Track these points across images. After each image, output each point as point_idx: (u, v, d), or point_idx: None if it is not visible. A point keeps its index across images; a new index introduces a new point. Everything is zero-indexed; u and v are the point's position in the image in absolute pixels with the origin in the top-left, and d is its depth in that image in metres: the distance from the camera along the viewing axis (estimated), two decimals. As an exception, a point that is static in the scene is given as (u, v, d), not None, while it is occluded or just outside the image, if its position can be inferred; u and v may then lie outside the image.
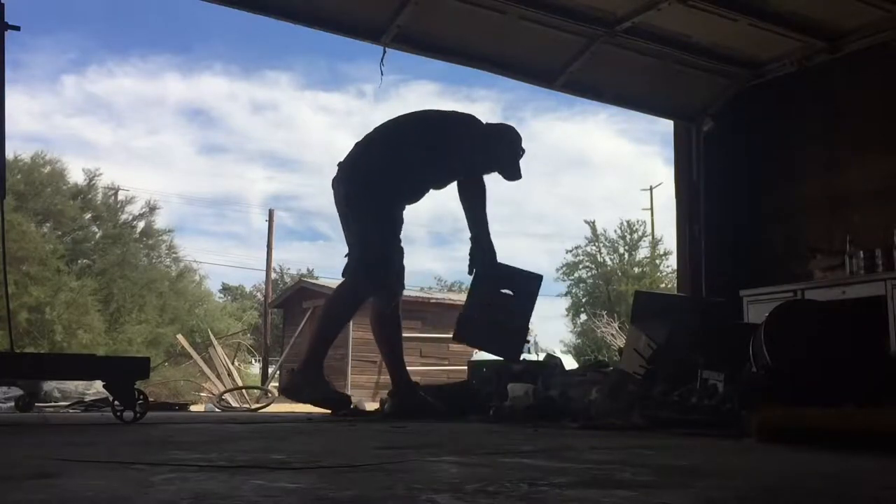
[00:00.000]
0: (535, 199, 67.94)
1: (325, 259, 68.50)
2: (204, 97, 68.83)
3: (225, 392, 12.35)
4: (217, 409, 9.95)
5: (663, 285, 30.45)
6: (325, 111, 74.02)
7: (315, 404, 4.61)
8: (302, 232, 72.34)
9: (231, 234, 71.04)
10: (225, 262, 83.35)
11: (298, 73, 76.42)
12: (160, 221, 29.33)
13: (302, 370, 4.58)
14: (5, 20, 4.21)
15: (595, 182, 69.63)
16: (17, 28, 4.29)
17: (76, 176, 27.09)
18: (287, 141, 70.66)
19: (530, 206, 68.81)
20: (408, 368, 4.71)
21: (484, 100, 68.71)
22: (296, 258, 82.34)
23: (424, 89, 72.25)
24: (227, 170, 67.02)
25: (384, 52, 6.12)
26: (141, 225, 28.39)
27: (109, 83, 62.63)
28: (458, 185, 4.65)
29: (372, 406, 5.92)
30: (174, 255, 30.04)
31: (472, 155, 4.55)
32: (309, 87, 76.08)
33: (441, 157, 4.53)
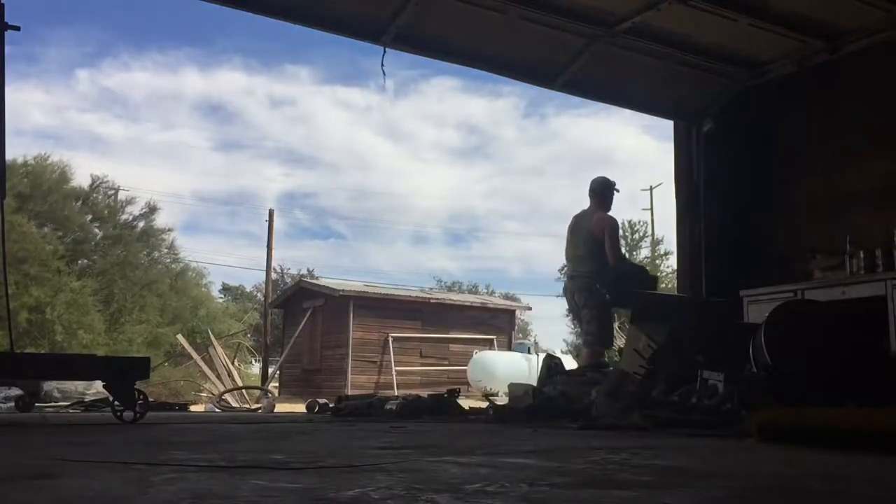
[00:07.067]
0: (555, 197, 67.00)
1: (337, 258, 66.75)
2: (222, 92, 67.02)
3: (225, 392, 12.35)
4: (217, 410, 9.95)
5: (663, 285, 30.43)
6: (345, 106, 72.43)
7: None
8: (315, 230, 71.45)
9: (244, 232, 69.94)
10: (228, 262, 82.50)
11: (319, 67, 75.10)
12: (171, 219, 29.19)
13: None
14: (5, 20, 4.22)
15: (617, 180, 68.54)
16: (17, 28, 4.30)
17: (81, 176, 27.08)
18: (305, 137, 69.51)
19: (550, 205, 68.15)
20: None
21: (509, 95, 68.11)
22: (307, 256, 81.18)
23: (447, 84, 71.39)
24: (244, 167, 65.50)
25: (384, 52, 6.13)
26: (141, 225, 28.40)
27: (125, 77, 60.58)
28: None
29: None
30: (175, 256, 30.05)
31: None
32: (329, 81, 74.72)
33: None
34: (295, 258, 72.88)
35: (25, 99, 47.74)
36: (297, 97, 70.57)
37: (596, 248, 5.98)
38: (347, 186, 69.51)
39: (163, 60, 62.87)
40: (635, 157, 61.39)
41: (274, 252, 24.07)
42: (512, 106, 70.22)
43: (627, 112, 8.23)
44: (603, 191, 6.23)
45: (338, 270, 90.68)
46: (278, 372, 20.69)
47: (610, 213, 6.22)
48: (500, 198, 70.15)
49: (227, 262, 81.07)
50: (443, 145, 71.12)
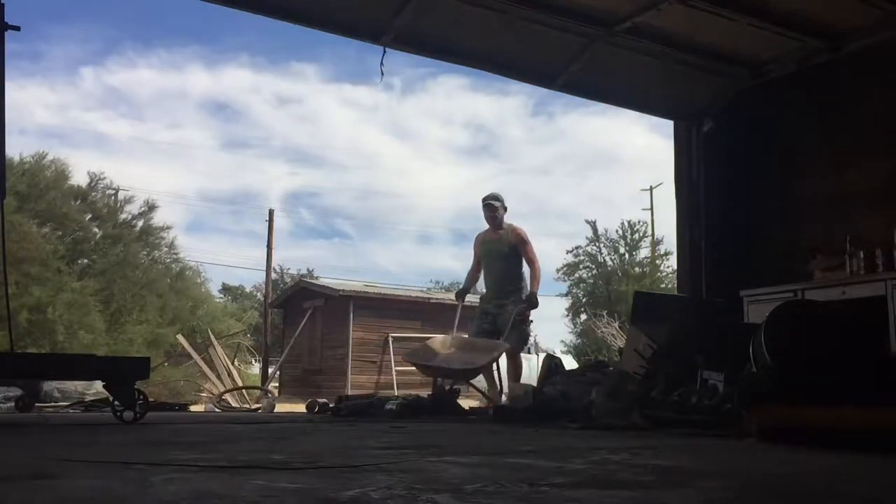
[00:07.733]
0: (560, 197, 66.65)
1: (342, 258, 66.37)
2: (228, 90, 66.48)
3: (225, 392, 12.34)
4: (217, 410, 9.95)
5: (663, 285, 30.43)
6: (351, 105, 71.54)
7: None
8: (321, 230, 70.93)
9: (248, 232, 69.29)
10: (229, 262, 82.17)
11: (326, 65, 74.54)
12: (175, 219, 28.98)
13: None
14: (5, 20, 4.22)
15: (624, 180, 67.72)
16: (17, 28, 4.30)
17: (80, 174, 27.03)
18: (311, 136, 68.62)
19: (555, 205, 67.90)
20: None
21: (517, 93, 67.59)
22: (311, 256, 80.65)
23: (454, 83, 70.50)
24: (249, 165, 64.80)
25: (384, 52, 6.13)
26: (140, 224, 28.34)
27: (130, 75, 59.93)
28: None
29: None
30: (174, 255, 30.01)
31: None
32: (335, 79, 74.24)
33: None
34: (299, 258, 72.40)
35: (29, 97, 47.52)
36: (303, 95, 70.24)
37: None
38: (353, 185, 69.31)
39: (169, 58, 62.36)
40: (644, 156, 60.72)
41: (277, 252, 24.12)
42: (520, 104, 69.93)
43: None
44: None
45: (342, 271, 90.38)
46: (278, 372, 20.69)
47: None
48: (506, 197, 69.68)
49: (229, 261, 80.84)
50: (450, 144, 70.77)
